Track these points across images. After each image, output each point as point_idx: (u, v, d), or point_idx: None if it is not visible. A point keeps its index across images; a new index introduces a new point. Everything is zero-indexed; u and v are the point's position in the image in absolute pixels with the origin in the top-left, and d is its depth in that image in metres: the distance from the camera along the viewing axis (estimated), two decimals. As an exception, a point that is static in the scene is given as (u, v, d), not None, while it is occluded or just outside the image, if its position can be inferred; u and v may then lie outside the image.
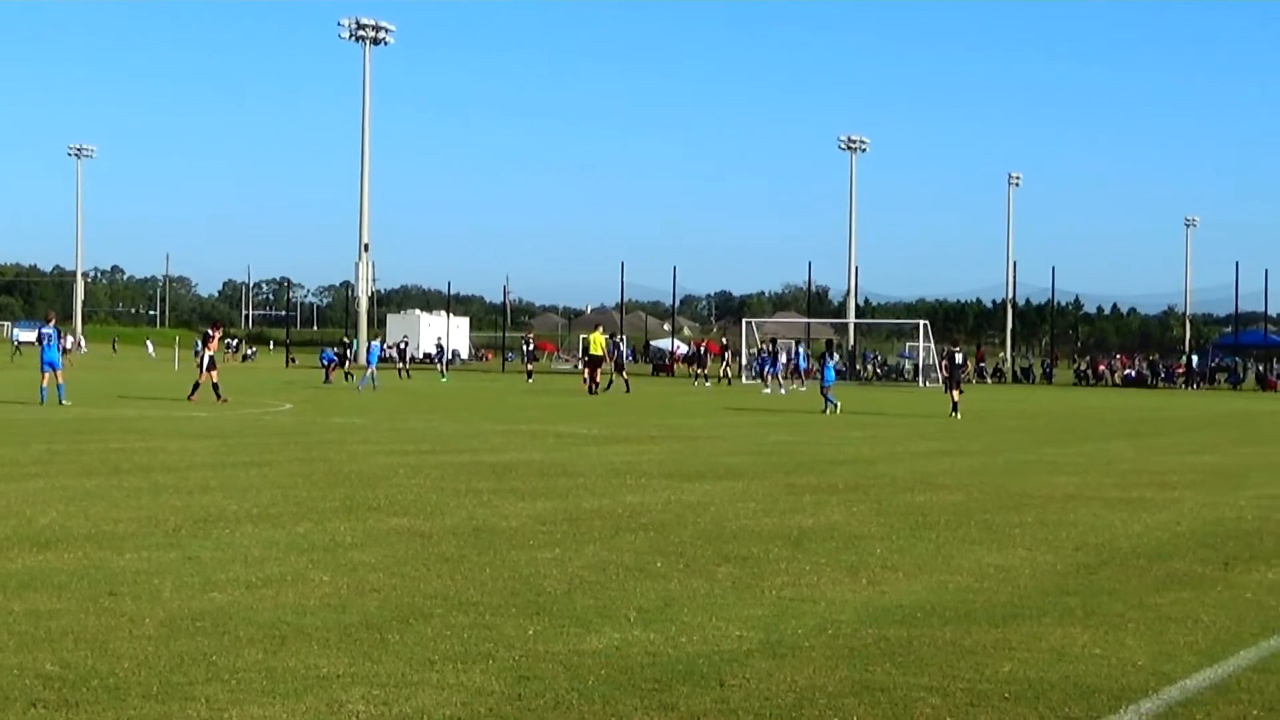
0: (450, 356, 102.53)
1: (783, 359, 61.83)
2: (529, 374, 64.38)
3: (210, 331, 40.89)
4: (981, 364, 61.79)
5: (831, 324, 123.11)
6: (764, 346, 67.49)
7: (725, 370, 70.98)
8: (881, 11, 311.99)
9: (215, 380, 38.25)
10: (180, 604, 8.90)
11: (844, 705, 6.82)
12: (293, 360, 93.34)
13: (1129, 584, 10.36)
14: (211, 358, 38.57)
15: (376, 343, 62.59)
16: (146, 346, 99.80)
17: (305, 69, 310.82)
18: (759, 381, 61.05)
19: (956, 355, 39.82)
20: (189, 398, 37.72)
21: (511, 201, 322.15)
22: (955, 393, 37.65)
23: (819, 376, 42.77)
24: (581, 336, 65.29)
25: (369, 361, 54.59)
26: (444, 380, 64.98)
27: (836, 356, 41.34)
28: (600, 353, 51.42)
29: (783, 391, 55.28)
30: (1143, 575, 10.78)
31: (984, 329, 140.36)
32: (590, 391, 49.02)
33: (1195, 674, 7.58)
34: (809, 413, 38.38)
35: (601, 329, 59.60)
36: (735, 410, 39.24)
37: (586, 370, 51.60)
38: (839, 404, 38.21)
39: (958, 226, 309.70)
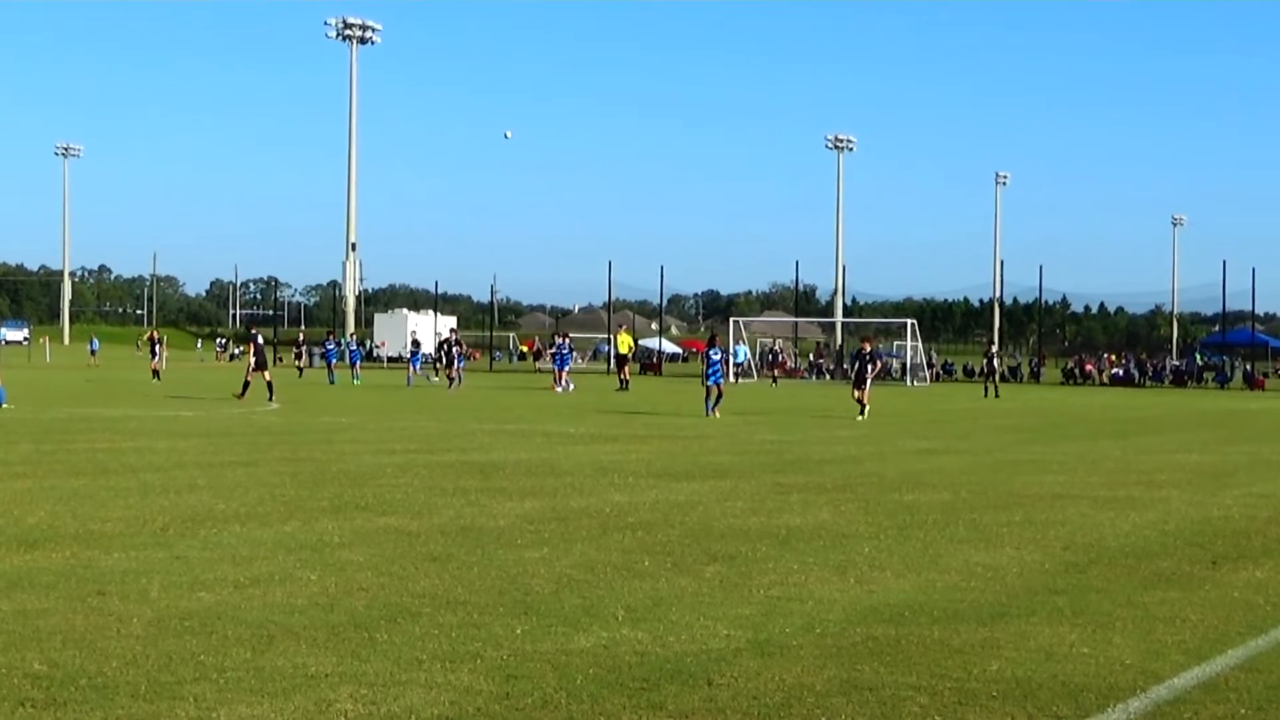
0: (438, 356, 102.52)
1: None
2: (451, 380, 50.79)
3: (255, 333, 45.24)
4: (995, 362, 60.77)
5: (819, 323, 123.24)
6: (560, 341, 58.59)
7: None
8: (868, 11, 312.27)
9: (269, 379, 40.32)
10: (168, 603, 8.89)
11: (832, 704, 6.82)
12: (279, 360, 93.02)
13: (1117, 583, 10.38)
14: (262, 358, 40.71)
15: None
16: (90, 344, 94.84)
17: (292, 68, 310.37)
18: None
19: (866, 353, 36.47)
20: (238, 396, 39.48)
21: (499, 200, 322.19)
22: (859, 391, 35.32)
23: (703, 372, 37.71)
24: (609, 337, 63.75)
25: (352, 360, 57.59)
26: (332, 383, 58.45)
27: (719, 352, 36.71)
28: (627, 352, 55.81)
29: (567, 388, 51.32)
30: (1131, 574, 10.80)
31: (971, 328, 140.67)
32: (619, 388, 52.40)
33: (1183, 673, 7.58)
34: (742, 413, 38.31)
35: (626, 328, 65.50)
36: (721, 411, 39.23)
37: (619, 369, 55.65)
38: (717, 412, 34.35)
39: (945, 225, 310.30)
